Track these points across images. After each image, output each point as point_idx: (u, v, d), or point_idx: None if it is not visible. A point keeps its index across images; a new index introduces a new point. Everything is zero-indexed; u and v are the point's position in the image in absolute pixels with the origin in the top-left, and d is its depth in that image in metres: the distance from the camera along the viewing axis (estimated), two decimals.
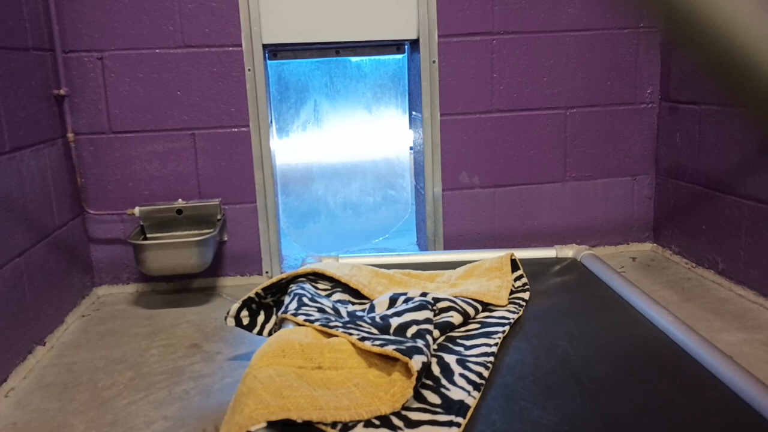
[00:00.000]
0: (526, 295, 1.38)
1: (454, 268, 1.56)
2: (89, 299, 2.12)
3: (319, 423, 0.88)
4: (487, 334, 1.18)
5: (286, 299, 1.29)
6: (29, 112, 1.78)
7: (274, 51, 2.28)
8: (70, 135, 2.04)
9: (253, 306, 1.50)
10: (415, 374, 0.96)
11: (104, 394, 1.50)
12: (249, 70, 2.11)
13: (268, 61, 2.26)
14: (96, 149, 2.10)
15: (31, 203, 1.75)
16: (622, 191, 2.41)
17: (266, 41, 2.11)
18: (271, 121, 2.30)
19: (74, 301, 2.01)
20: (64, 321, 1.91)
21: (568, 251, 1.69)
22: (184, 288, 2.23)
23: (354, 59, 2.44)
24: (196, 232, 2.12)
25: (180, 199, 2.15)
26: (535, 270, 1.57)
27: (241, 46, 2.10)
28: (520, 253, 1.66)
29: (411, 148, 2.53)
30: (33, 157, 1.79)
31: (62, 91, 2.00)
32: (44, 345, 1.76)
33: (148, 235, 2.10)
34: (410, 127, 2.51)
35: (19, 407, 1.46)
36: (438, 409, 0.94)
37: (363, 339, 1.06)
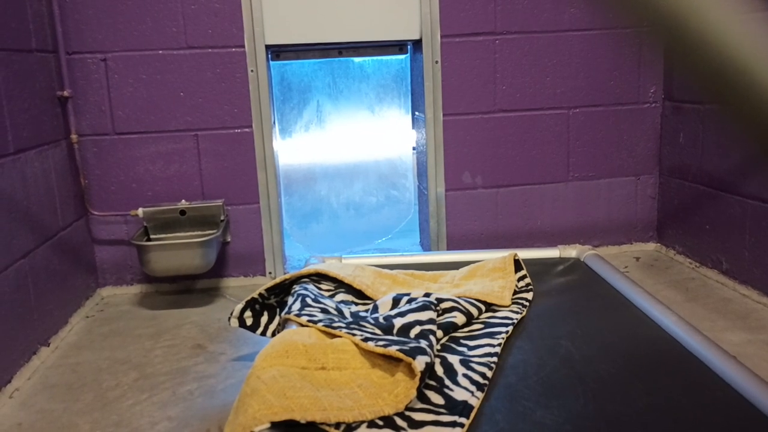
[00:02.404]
0: (529, 295, 1.38)
1: (457, 269, 1.56)
2: (93, 300, 2.13)
3: (322, 423, 0.88)
4: (491, 335, 1.18)
5: (290, 300, 1.29)
6: (33, 113, 1.79)
7: (277, 52, 2.28)
8: (74, 136, 2.04)
9: (257, 307, 1.50)
10: (419, 375, 0.96)
11: (108, 395, 1.51)
12: (252, 71, 2.12)
13: (271, 62, 2.27)
14: (99, 150, 2.11)
15: (34, 205, 1.75)
16: (626, 191, 2.40)
17: (269, 42, 2.11)
18: (274, 122, 2.30)
19: (78, 302, 2.02)
20: (69, 322, 1.92)
21: (571, 251, 1.69)
22: (187, 289, 2.23)
23: (356, 60, 2.44)
24: (200, 232, 2.12)
25: (183, 200, 2.15)
26: (538, 270, 1.57)
27: (243, 47, 2.10)
28: (523, 253, 1.66)
29: (414, 149, 2.53)
30: (37, 158, 1.79)
31: (66, 93, 2.01)
32: (48, 346, 1.76)
33: (152, 236, 2.10)
34: (413, 128, 2.51)
35: (24, 408, 1.46)
36: (441, 410, 0.94)
37: (366, 339, 1.07)
